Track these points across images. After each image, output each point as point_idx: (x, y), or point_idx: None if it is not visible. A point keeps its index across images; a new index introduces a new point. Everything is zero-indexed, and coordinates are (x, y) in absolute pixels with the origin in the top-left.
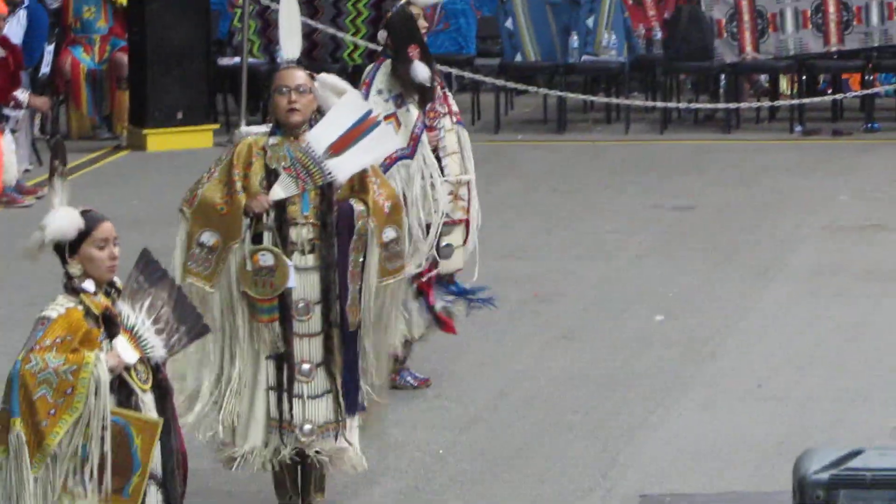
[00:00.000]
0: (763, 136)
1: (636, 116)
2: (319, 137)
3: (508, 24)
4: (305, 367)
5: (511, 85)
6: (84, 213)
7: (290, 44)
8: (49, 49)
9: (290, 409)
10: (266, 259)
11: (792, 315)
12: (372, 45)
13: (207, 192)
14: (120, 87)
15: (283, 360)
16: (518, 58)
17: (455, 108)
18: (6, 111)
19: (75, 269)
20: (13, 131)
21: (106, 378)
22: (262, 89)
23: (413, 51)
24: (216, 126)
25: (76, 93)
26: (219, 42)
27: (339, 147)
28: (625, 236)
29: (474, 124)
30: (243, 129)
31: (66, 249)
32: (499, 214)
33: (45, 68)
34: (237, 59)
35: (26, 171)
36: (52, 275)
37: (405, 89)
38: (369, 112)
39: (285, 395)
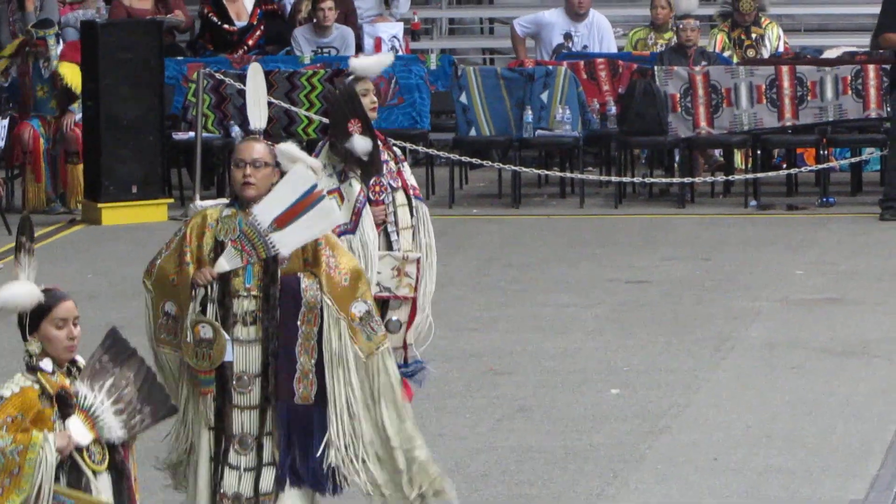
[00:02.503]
0: (718, 210)
1: (591, 191)
2: (265, 210)
3: (463, 98)
4: (247, 439)
5: (465, 159)
6: (46, 291)
7: (256, 115)
8: (3, 123)
9: (222, 479)
10: (206, 332)
11: (748, 389)
12: (326, 120)
13: (164, 263)
14: (70, 161)
15: (221, 432)
16: (472, 132)
17: (412, 182)
18: None
19: (34, 346)
20: None
21: (52, 459)
22: (216, 164)
23: (353, 125)
24: (171, 200)
25: (36, 165)
26: (173, 116)
27: (283, 221)
28: (580, 310)
29: (429, 198)
30: (198, 203)
31: (26, 326)
32: (454, 288)
33: (0, 142)
34: (191, 134)
35: None
36: (8, 350)
37: (346, 164)
38: (314, 186)
39: (220, 467)
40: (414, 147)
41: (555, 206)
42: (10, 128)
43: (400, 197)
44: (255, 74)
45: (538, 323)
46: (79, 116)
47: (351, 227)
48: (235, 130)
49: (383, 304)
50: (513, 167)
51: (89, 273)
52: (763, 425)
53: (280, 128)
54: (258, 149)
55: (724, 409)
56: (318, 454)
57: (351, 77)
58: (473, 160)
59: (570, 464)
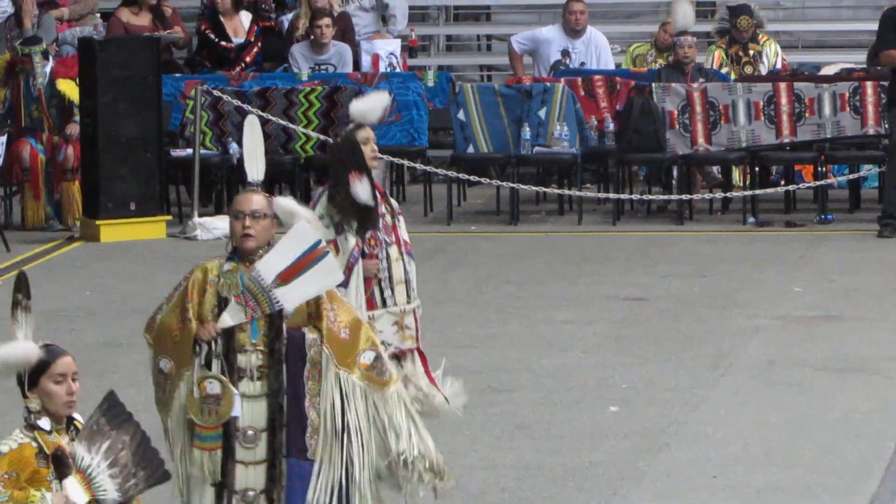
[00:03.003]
0: (716, 227)
1: (589, 208)
2: (269, 266)
3: (461, 115)
4: (250, 494)
5: (463, 176)
6: (44, 347)
7: (254, 167)
8: (1, 140)
9: None
10: (213, 387)
11: (746, 406)
12: (324, 137)
13: (165, 317)
14: (66, 178)
15: (224, 487)
16: (470, 149)
17: (405, 237)
18: None
19: (34, 403)
20: None
21: None
22: (214, 181)
23: (355, 176)
24: (169, 217)
25: (35, 182)
26: (171, 133)
27: (287, 276)
28: (578, 327)
29: (426, 216)
30: (196, 220)
31: (25, 383)
32: (452, 305)
33: None
34: (189, 151)
35: None
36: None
37: (343, 216)
38: (318, 242)
39: None
40: (412, 164)
41: (553, 223)
42: (8, 145)
43: (394, 251)
44: (252, 127)
45: (536, 340)
46: (76, 132)
47: (344, 281)
48: (233, 147)
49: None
50: (511, 184)
51: (87, 290)
52: (762, 443)
53: (278, 145)
54: (256, 200)
55: (722, 427)
56: None
57: (352, 125)
58: (471, 177)
59: (569, 481)
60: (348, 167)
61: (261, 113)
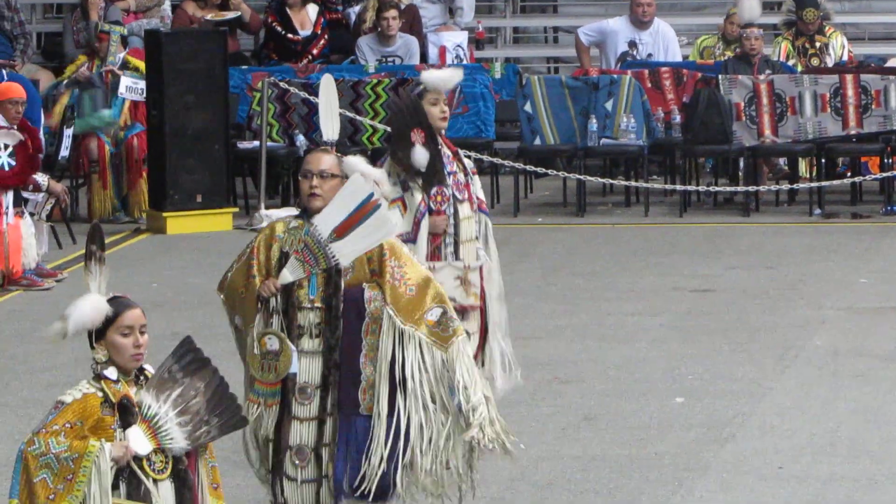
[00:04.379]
0: (782, 218)
1: (655, 199)
2: (325, 221)
3: (527, 107)
4: (305, 450)
5: (530, 168)
6: (113, 300)
7: (329, 126)
8: (68, 133)
9: (282, 492)
10: (273, 343)
11: (812, 397)
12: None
13: (234, 276)
14: (135, 170)
15: (279, 442)
16: (537, 141)
17: (479, 195)
18: (26, 194)
19: (100, 354)
20: (32, 214)
21: (107, 468)
22: (280, 172)
23: (416, 135)
24: (235, 209)
25: (103, 174)
26: (238, 126)
27: (342, 230)
28: (645, 318)
29: (493, 207)
30: (263, 212)
31: (93, 335)
32: (519, 297)
33: (65, 151)
34: (256, 143)
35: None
36: (73, 359)
37: (407, 173)
38: (371, 195)
39: (279, 479)
40: (479, 156)
41: (619, 215)
42: (75, 137)
43: (465, 209)
44: (328, 86)
45: (603, 331)
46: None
47: (412, 237)
48: (300, 140)
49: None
50: (577, 176)
51: (154, 282)
52: (827, 434)
53: (345, 136)
54: (326, 160)
55: (788, 418)
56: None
57: (420, 87)
58: (538, 169)
59: (634, 472)
60: (410, 126)
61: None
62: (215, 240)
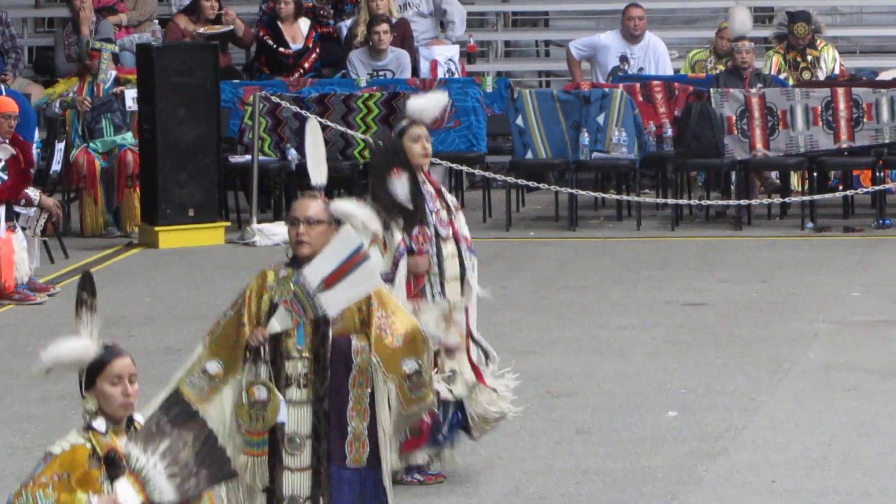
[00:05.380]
0: (774, 232)
1: (647, 213)
2: (315, 271)
3: (519, 121)
4: (298, 500)
5: (522, 182)
6: (104, 347)
7: (316, 171)
8: (59, 147)
9: None
10: (261, 393)
11: (805, 411)
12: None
13: (226, 323)
14: (127, 185)
15: (272, 493)
16: (529, 155)
17: (464, 233)
18: (17, 209)
19: (90, 404)
20: (24, 229)
21: None
22: (272, 186)
23: (396, 174)
24: (227, 223)
25: (92, 189)
26: (229, 139)
27: (331, 281)
28: (638, 332)
29: (485, 221)
30: (254, 226)
31: (82, 383)
32: (511, 311)
33: (56, 166)
34: (248, 157)
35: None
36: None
37: (388, 213)
38: (360, 247)
39: None
40: (470, 170)
41: (611, 229)
42: (66, 152)
43: (449, 247)
44: (314, 130)
45: (596, 345)
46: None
47: (390, 277)
48: (291, 153)
49: (437, 354)
50: (569, 190)
51: (146, 297)
52: (820, 447)
53: (336, 151)
54: (312, 206)
55: (781, 431)
56: None
57: (406, 121)
58: (530, 183)
59: (628, 486)
60: (389, 165)
61: (319, 119)
62: (207, 254)
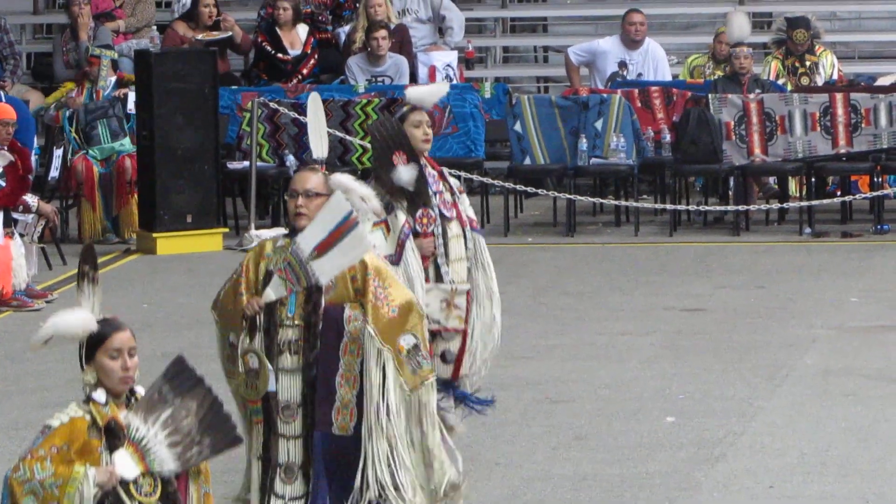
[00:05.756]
0: (772, 238)
1: (645, 219)
2: (306, 239)
3: (517, 127)
4: (293, 467)
5: (520, 188)
6: (103, 321)
7: (318, 144)
8: (57, 153)
9: None
10: (253, 361)
11: (803, 416)
12: None
13: (225, 294)
14: (126, 191)
15: (268, 461)
16: (527, 161)
17: (468, 214)
18: (15, 215)
19: (89, 377)
20: (22, 235)
21: (90, 494)
22: (270, 192)
23: (398, 157)
24: (225, 230)
25: (90, 195)
26: (227, 146)
27: (322, 249)
28: (636, 338)
29: (484, 227)
30: (252, 232)
31: (82, 356)
32: (509, 317)
33: (54, 172)
34: (246, 163)
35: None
36: (64, 380)
37: (391, 195)
38: (349, 214)
39: (267, 497)
40: (468, 176)
41: (609, 235)
42: (64, 158)
43: (454, 228)
44: (315, 104)
45: (594, 351)
46: (133, 147)
47: (395, 259)
48: (290, 159)
49: (434, 337)
50: (567, 195)
51: (144, 303)
52: (818, 453)
53: (335, 157)
54: (312, 179)
55: (779, 437)
56: (358, 485)
57: (406, 107)
58: (528, 188)
59: (625, 492)
60: (392, 148)
61: None
62: (205, 260)
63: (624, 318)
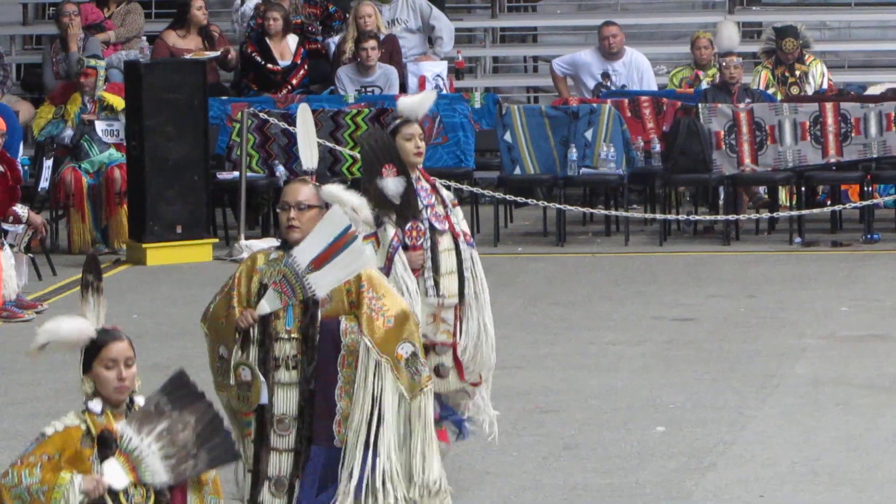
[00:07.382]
0: (762, 247)
1: (635, 228)
2: (303, 252)
3: (507, 137)
4: (284, 480)
5: (510, 198)
6: (101, 331)
7: (307, 155)
8: (47, 164)
9: None
10: (246, 374)
11: (794, 425)
12: None
13: (216, 306)
14: (115, 202)
15: (258, 473)
16: (517, 171)
17: (461, 227)
18: (5, 226)
19: (86, 386)
20: (12, 246)
21: (75, 501)
22: (260, 203)
23: (388, 170)
24: (215, 240)
25: (80, 206)
26: (217, 156)
27: (319, 262)
28: (626, 348)
29: (474, 237)
30: (243, 243)
31: (80, 365)
32: (500, 327)
33: (44, 183)
34: (236, 174)
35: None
36: (54, 390)
37: (380, 208)
38: (348, 227)
39: None
40: (458, 186)
41: (599, 244)
42: (54, 169)
43: (445, 241)
44: (305, 115)
45: (584, 361)
46: (122, 156)
47: (385, 272)
48: (280, 170)
49: (427, 351)
50: (557, 205)
51: (134, 313)
52: (809, 462)
53: (325, 167)
54: (303, 191)
55: (769, 446)
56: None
57: (398, 120)
58: (518, 198)
59: (616, 501)
60: (381, 161)
61: None
62: (195, 271)
63: (614, 327)
